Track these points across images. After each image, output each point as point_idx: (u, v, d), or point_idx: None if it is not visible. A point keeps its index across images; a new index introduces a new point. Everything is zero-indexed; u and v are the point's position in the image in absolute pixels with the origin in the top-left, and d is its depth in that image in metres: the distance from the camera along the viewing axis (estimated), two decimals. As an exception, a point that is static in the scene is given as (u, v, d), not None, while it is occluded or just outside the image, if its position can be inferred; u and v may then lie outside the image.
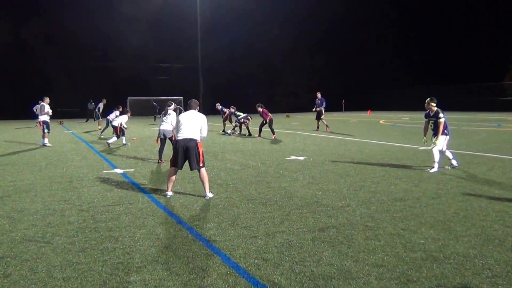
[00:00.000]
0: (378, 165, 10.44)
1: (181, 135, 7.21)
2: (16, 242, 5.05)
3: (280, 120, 31.98)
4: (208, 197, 7.19)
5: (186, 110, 7.86)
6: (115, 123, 16.02)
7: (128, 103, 46.95)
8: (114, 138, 15.76)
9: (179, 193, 7.61)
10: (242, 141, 17.10)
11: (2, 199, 7.30)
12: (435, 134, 9.55)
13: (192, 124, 7.28)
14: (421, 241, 4.92)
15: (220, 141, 17.35)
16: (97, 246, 4.88)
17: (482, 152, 12.56)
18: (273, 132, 18.81)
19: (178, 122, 7.45)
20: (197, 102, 7.79)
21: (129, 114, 16.70)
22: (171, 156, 7.41)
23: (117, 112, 17.22)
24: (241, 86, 51.68)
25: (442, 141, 9.53)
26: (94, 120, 28.73)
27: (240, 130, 20.89)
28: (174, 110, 12.20)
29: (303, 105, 49.00)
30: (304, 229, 5.43)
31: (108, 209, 6.50)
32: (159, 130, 11.64)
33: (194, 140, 7.18)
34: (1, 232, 5.46)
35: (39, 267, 4.29)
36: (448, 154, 9.75)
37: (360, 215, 6.02)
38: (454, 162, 9.73)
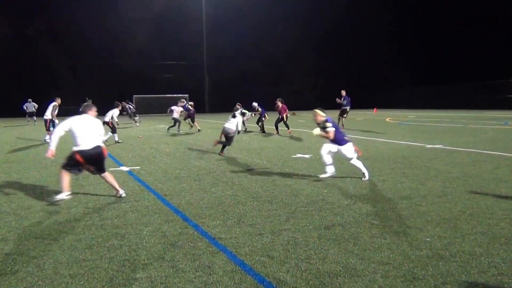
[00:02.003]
0: (384, 163, 10.41)
1: (87, 144, 6.77)
2: (23, 239, 5.09)
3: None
4: (122, 195, 7.04)
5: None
6: (106, 119, 15.93)
7: (133, 101, 47.11)
8: (109, 134, 15.72)
9: (185, 190, 7.63)
10: (247, 139, 17.11)
11: (9, 196, 7.34)
12: (335, 142, 8.52)
13: (94, 131, 6.92)
14: (427, 239, 4.90)
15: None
16: (103, 243, 4.90)
17: (488, 150, 12.50)
18: (287, 127, 19.20)
19: (75, 128, 6.82)
20: (93, 106, 7.29)
21: (119, 107, 16.49)
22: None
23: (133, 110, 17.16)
24: (246, 84, 51.69)
25: (350, 149, 8.41)
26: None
27: (245, 128, 21.00)
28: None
29: (309, 103, 48.97)
30: (310, 226, 5.42)
31: (114, 207, 6.53)
32: (223, 127, 12.61)
33: (100, 147, 6.93)
34: (8, 229, 5.50)
35: (46, 264, 4.32)
36: (356, 162, 8.53)
37: (366, 213, 6.01)
38: (365, 173, 8.48)
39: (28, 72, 43.95)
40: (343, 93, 22.55)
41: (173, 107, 21.45)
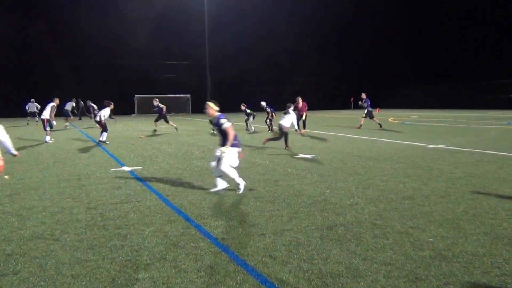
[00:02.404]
0: (387, 163, 10.39)
1: None
2: (25, 240, 5.09)
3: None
4: None
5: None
6: (97, 118, 15.98)
7: (135, 101, 47.09)
8: (105, 134, 15.79)
9: (187, 190, 7.63)
10: (249, 139, 17.11)
11: (11, 196, 7.35)
12: (224, 144, 7.30)
13: None
14: (429, 239, 4.88)
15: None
16: (105, 244, 4.90)
17: (491, 150, 12.47)
18: (304, 127, 19.26)
19: None
20: None
21: (111, 106, 16.47)
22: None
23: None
24: (249, 84, 51.69)
25: (234, 155, 7.37)
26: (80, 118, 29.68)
27: (253, 130, 21.35)
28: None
29: (311, 103, 48.96)
30: (312, 227, 5.41)
31: (116, 207, 6.53)
32: (278, 124, 13.67)
33: None
34: (10, 229, 5.50)
35: (48, 264, 4.32)
36: (232, 172, 7.34)
37: (368, 213, 6.00)
38: (240, 184, 7.41)
39: (29, 72, 43.99)
40: (363, 95, 22.53)
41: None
